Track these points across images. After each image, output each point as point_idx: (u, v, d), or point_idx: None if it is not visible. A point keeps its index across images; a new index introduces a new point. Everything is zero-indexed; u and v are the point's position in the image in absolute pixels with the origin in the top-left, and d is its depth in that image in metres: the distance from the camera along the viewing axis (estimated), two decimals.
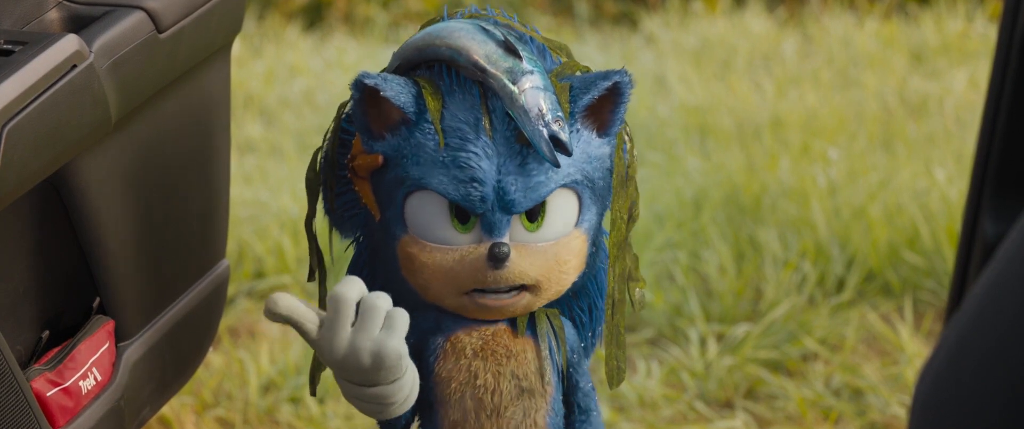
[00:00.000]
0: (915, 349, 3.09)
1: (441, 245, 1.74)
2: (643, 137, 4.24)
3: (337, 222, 1.85)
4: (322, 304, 1.91)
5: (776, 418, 2.91)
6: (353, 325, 1.69)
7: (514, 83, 1.72)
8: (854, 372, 3.03)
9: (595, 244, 1.82)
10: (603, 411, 2.82)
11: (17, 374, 1.74)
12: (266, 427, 2.88)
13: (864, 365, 3.07)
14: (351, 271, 1.87)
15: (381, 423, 1.88)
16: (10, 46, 1.74)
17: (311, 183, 1.85)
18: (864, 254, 3.46)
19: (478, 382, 1.80)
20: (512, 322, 1.82)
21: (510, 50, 1.73)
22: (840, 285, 3.43)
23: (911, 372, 3.01)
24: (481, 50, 1.73)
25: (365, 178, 1.78)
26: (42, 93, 1.72)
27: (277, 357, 3.08)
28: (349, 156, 1.79)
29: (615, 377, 1.88)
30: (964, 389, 1.15)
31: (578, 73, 1.79)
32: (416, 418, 1.89)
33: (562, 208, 1.76)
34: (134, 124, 1.93)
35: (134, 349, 2.02)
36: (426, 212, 1.74)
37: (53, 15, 1.90)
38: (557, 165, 1.70)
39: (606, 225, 1.86)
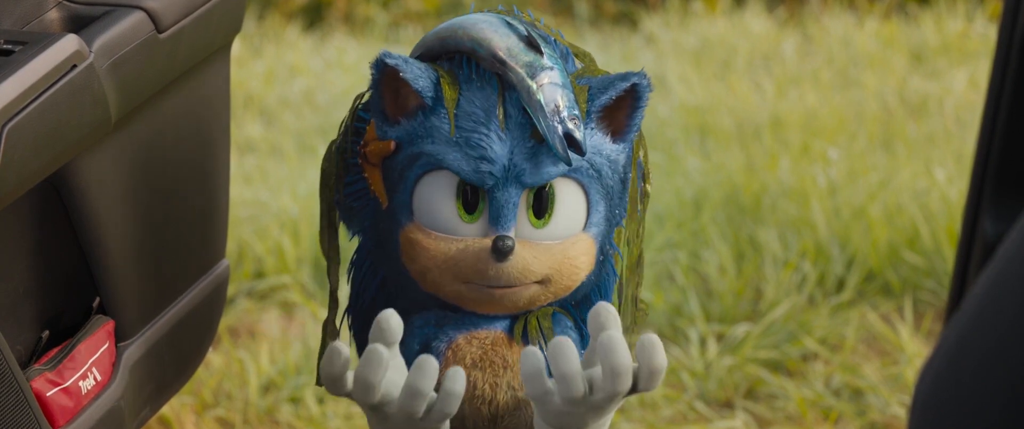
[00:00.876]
0: (915, 349, 3.09)
1: (445, 234, 1.74)
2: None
3: (345, 216, 1.86)
4: (331, 294, 1.91)
5: (776, 418, 2.91)
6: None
7: (532, 78, 1.72)
8: (854, 372, 3.03)
9: (603, 252, 1.82)
10: None
11: (17, 374, 1.74)
12: (266, 427, 2.88)
13: (864, 365, 3.07)
14: (354, 265, 1.87)
15: None
16: (10, 46, 1.74)
17: (326, 173, 1.86)
18: (864, 254, 3.46)
19: (476, 392, 1.80)
20: (509, 329, 1.81)
21: (531, 45, 1.74)
22: (840, 285, 3.43)
23: (911, 372, 3.01)
24: (502, 43, 1.74)
25: (376, 165, 1.78)
26: (42, 93, 1.72)
27: (277, 357, 3.08)
28: (362, 142, 1.80)
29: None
30: (964, 389, 1.15)
31: (600, 76, 1.79)
32: None
33: (570, 206, 1.76)
34: (134, 124, 1.93)
35: (134, 349, 2.02)
36: (433, 198, 1.74)
37: (53, 15, 1.90)
38: (569, 164, 1.71)
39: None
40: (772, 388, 2.99)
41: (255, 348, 3.12)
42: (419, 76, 1.74)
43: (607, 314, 1.68)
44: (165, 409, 2.86)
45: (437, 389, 1.72)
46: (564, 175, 1.74)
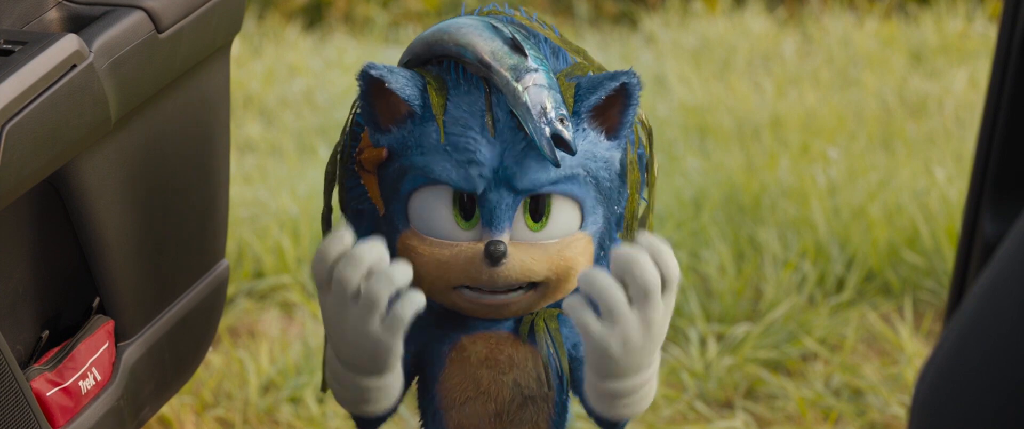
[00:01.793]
0: (915, 349, 3.09)
1: (442, 239, 1.74)
2: None
3: (353, 219, 1.86)
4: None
5: (776, 418, 2.91)
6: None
7: (518, 80, 1.72)
8: (854, 372, 3.03)
9: (603, 248, 1.82)
10: None
11: (17, 374, 1.74)
12: (266, 427, 2.88)
13: (864, 365, 3.07)
14: None
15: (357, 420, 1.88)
16: (10, 46, 1.74)
17: (329, 176, 1.86)
18: (864, 254, 3.46)
19: (481, 390, 1.80)
20: (515, 329, 1.81)
21: (516, 48, 1.73)
22: (840, 285, 3.43)
23: (911, 372, 3.01)
24: (487, 47, 1.74)
25: (371, 172, 1.78)
26: (42, 93, 1.72)
27: (277, 357, 3.08)
28: (357, 150, 1.80)
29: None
30: (964, 389, 1.15)
31: (589, 74, 1.79)
32: (421, 424, 1.89)
33: (567, 208, 1.75)
34: (134, 124, 1.93)
35: (134, 349, 2.02)
36: (429, 207, 1.74)
37: (53, 15, 1.90)
38: (557, 164, 1.69)
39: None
40: (772, 388, 2.99)
41: (255, 348, 3.12)
42: (405, 85, 1.73)
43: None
44: (165, 409, 2.86)
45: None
46: (560, 183, 1.74)
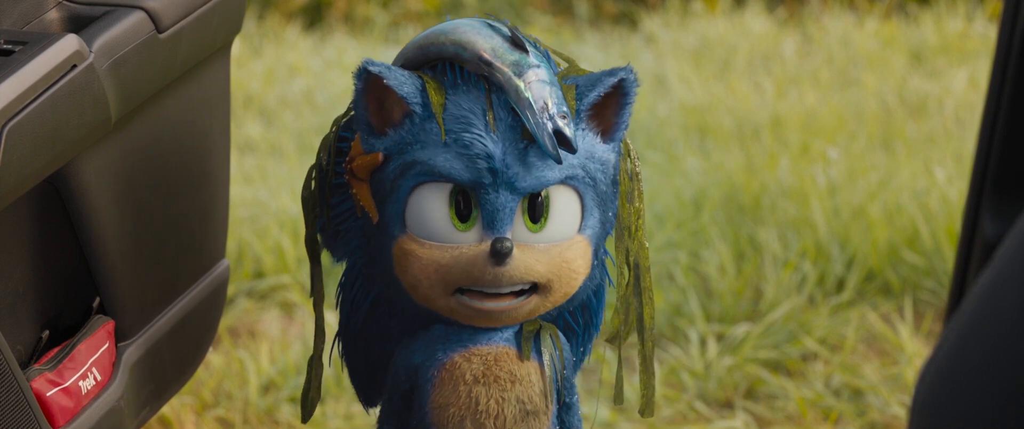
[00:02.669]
0: (915, 349, 3.09)
1: (439, 243, 1.73)
2: (643, 137, 4.24)
3: (329, 242, 1.83)
4: (317, 326, 1.90)
5: (776, 418, 2.91)
6: None
7: (519, 77, 1.70)
8: (854, 372, 3.03)
9: (598, 255, 1.81)
10: (603, 412, 2.82)
11: (17, 374, 1.74)
12: (266, 427, 2.88)
13: (864, 365, 3.07)
14: (342, 288, 1.85)
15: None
16: (10, 46, 1.74)
17: (307, 201, 1.84)
18: (864, 254, 3.46)
19: (479, 408, 1.76)
20: (516, 343, 1.80)
21: (516, 44, 1.72)
22: (840, 285, 3.43)
23: (911, 372, 3.01)
24: (487, 44, 1.72)
25: (364, 180, 1.76)
26: (42, 93, 1.72)
27: (277, 357, 3.08)
28: (347, 158, 1.78)
29: (649, 406, 1.88)
30: (964, 389, 1.15)
31: (587, 74, 1.78)
32: None
33: (565, 209, 1.74)
34: (134, 124, 1.93)
35: (134, 349, 2.02)
36: (426, 209, 1.72)
37: (53, 15, 1.90)
38: (559, 161, 1.68)
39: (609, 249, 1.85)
40: (772, 388, 2.99)
41: (255, 348, 3.12)
42: (404, 82, 1.71)
43: None
44: (165, 409, 2.86)
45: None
46: (560, 182, 1.73)
